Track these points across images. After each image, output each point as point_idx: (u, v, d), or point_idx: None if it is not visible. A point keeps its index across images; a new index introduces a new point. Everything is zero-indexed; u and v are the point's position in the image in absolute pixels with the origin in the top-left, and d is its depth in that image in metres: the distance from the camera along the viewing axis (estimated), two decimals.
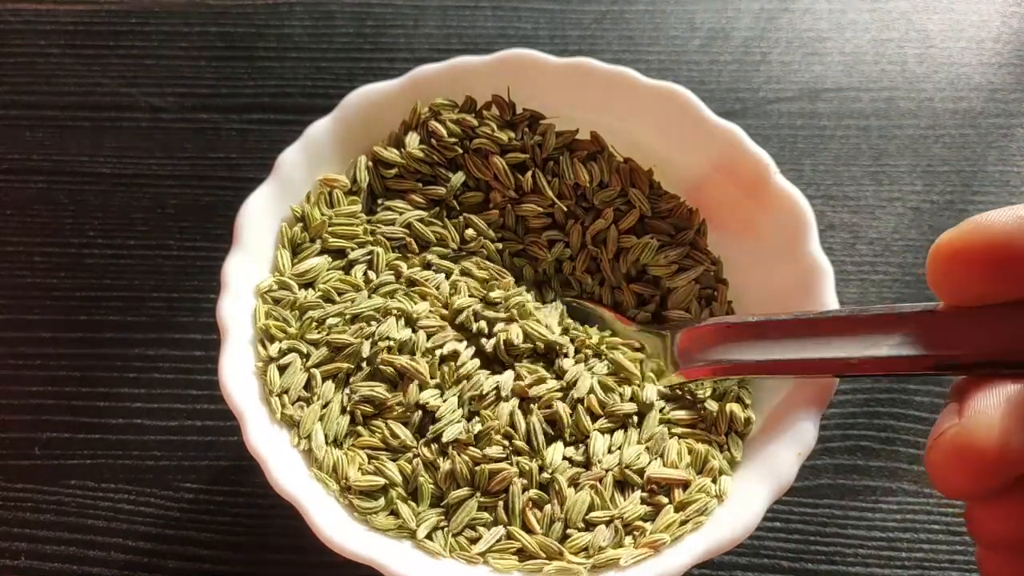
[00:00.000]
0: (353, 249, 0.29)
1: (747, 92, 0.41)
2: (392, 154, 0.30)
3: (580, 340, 0.28)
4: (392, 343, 0.27)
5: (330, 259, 0.29)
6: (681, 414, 0.27)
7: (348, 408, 0.27)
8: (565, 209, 0.30)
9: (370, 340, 0.27)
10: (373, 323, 0.28)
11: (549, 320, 0.28)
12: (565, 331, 0.29)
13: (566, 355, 0.28)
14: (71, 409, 0.34)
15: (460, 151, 0.30)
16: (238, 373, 0.25)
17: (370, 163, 0.30)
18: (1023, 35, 0.43)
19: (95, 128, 0.40)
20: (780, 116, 0.41)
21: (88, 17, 0.43)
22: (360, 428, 0.27)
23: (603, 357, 0.28)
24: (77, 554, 0.31)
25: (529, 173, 0.30)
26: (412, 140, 0.30)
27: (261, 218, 0.28)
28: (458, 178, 0.30)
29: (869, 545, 0.31)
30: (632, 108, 0.30)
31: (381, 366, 0.27)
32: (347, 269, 0.29)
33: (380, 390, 0.27)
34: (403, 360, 0.27)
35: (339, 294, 0.28)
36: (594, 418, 0.27)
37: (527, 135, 0.30)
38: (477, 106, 0.30)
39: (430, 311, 0.28)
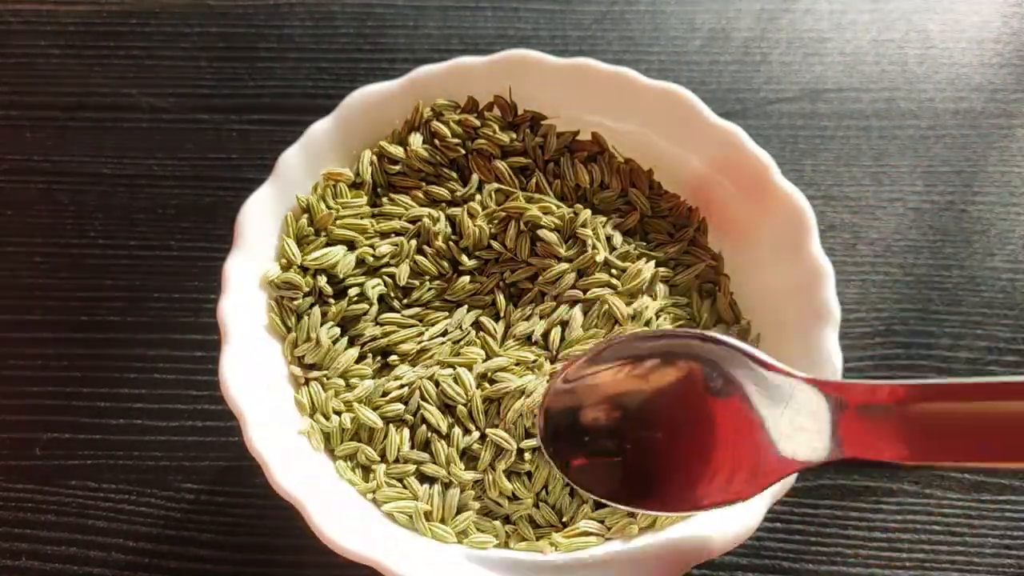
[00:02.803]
0: (362, 243, 0.29)
1: (747, 92, 0.41)
2: (398, 150, 0.30)
3: None
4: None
5: (346, 249, 0.29)
6: None
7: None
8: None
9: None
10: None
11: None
12: None
13: None
14: (71, 409, 0.34)
15: (462, 152, 0.30)
16: (239, 373, 0.25)
17: (374, 158, 0.30)
18: (1023, 35, 0.43)
19: (96, 129, 0.40)
20: (780, 116, 0.41)
21: (89, 18, 0.43)
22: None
23: None
24: (78, 554, 0.31)
25: (532, 180, 0.30)
26: (415, 140, 0.30)
27: (262, 218, 0.28)
28: (474, 181, 0.30)
29: (870, 546, 0.31)
30: (633, 108, 0.30)
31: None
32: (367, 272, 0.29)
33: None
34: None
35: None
36: None
37: (528, 136, 0.30)
38: (479, 107, 0.30)
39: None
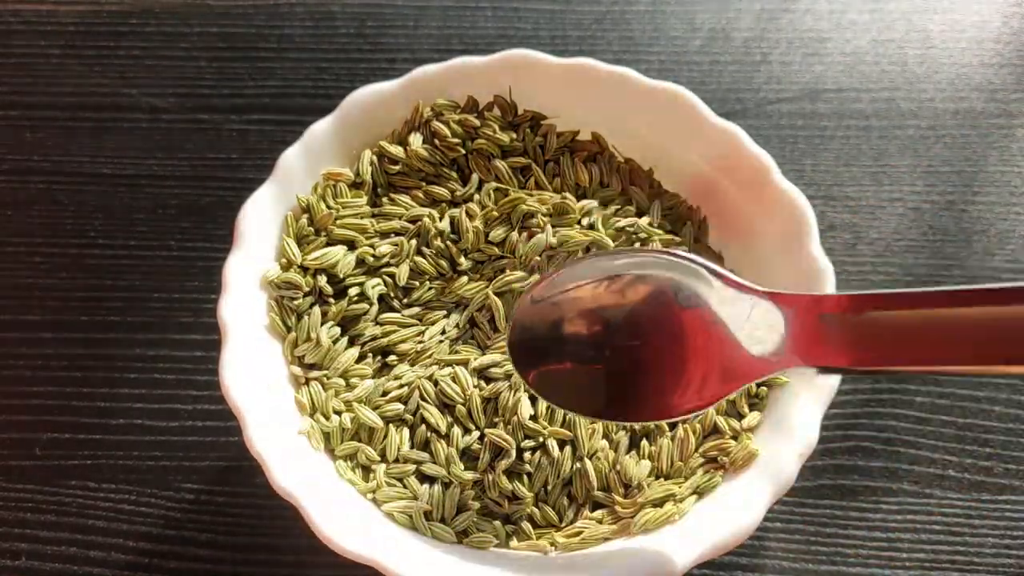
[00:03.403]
0: (362, 243, 0.29)
1: (748, 92, 0.41)
2: (398, 150, 0.30)
3: None
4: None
5: (346, 248, 0.29)
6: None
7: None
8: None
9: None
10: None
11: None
12: None
13: None
14: (71, 409, 0.34)
15: (462, 152, 0.30)
16: (239, 373, 0.25)
17: (374, 158, 0.30)
18: (1023, 35, 0.43)
19: (96, 128, 0.40)
20: (781, 116, 0.41)
21: (89, 18, 0.43)
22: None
23: None
24: (78, 554, 0.31)
25: (532, 179, 0.30)
26: (415, 139, 0.30)
27: (262, 218, 0.28)
28: (475, 180, 0.30)
29: (870, 545, 0.31)
30: (633, 108, 0.30)
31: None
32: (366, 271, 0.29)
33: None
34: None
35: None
36: None
37: (528, 136, 0.30)
38: (479, 107, 0.30)
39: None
